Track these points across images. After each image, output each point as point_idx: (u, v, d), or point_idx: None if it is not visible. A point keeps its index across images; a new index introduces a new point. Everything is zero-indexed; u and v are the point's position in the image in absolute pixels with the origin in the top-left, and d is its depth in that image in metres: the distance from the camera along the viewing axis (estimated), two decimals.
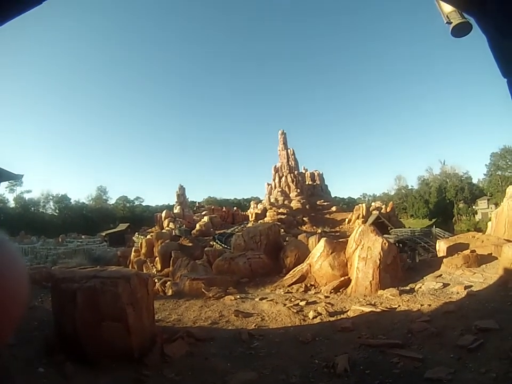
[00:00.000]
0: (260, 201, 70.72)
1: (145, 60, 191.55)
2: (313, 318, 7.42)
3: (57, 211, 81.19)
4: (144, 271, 26.71)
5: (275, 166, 67.85)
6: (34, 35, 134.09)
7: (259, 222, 40.57)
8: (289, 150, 67.49)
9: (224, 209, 60.09)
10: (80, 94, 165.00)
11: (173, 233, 38.69)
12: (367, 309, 7.55)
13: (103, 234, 55.34)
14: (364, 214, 48.13)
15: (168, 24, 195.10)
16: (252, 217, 53.41)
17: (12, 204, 74.94)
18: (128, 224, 62.08)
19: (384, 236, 12.25)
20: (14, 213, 69.71)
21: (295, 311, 7.89)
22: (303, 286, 10.78)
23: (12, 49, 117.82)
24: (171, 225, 47.04)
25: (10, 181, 49.27)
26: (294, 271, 11.90)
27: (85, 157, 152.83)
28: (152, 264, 31.39)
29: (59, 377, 4.02)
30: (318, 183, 69.77)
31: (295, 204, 57.51)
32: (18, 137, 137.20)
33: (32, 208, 76.57)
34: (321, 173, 71.69)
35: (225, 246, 28.82)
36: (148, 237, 37.51)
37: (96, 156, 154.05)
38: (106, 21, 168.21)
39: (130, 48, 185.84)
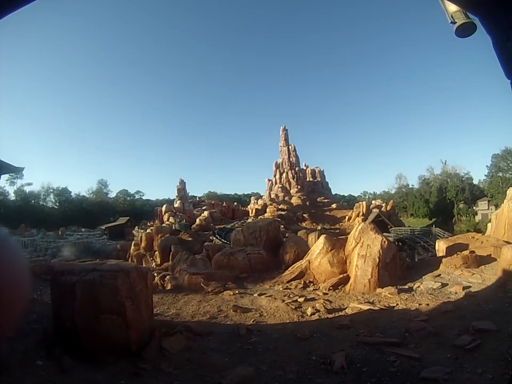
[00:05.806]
0: (260, 197, 70.68)
1: (146, 54, 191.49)
2: (311, 314, 7.44)
3: (57, 204, 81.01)
4: (144, 265, 26.81)
5: (276, 162, 67.83)
6: (36, 29, 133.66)
7: (259, 217, 40.68)
8: (290, 147, 67.43)
9: (224, 204, 60.18)
10: (81, 88, 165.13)
11: (173, 228, 38.72)
12: (365, 307, 7.57)
13: (103, 227, 55.48)
14: (364, 212, 48.17)
15: (170, 20, 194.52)
16: (252, 213, 53.50)
17: (12, 196, 74.68)
18: (128, 217, 62.22)
19: (384, 234, 12.24)
20: (14, 205, 69.44)
21: (293, 307, 7.91)
22: (302, 282, 10.80)
23: (13, 43, 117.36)
24: (171, 219, 46.97)
25: (10, 174, 49.25)
26: (293, 267, 11.91)
27: (86, 150, 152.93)
28: (151, 258, 31.48)
29: (57, 370, 4.02)
30: (319, 180, 69.78)
31: (295, 200, 57.52)
32: (20, 130, 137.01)
33: (33, 201, 76.23)
34: (322, 170, 71.80)
35: (225, 241, 28.89)
36: (148, 231, 37.60)
37: (97, 149, 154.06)
38: (109, 17, 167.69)
39: (130, 42, 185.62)
